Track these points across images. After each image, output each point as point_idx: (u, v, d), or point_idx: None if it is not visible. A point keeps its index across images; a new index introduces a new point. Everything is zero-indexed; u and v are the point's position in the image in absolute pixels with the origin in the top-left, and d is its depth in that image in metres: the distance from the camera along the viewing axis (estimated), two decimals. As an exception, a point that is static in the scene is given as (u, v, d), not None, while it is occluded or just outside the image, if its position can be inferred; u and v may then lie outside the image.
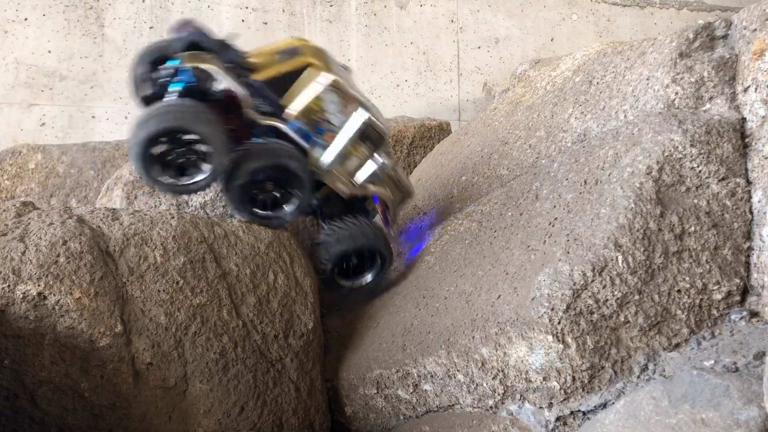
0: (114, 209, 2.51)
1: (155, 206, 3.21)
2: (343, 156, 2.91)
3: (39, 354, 2.09)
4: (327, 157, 2.86)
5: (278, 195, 2.84)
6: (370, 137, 2.97)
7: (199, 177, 2.67)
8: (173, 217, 2.52)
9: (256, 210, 2.80)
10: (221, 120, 2.68)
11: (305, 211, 3.03)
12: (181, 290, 2.37)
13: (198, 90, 2.70)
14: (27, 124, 4.76)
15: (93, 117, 4.90)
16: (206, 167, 2.65)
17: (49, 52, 4.84)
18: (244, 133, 2.82)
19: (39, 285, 2.11)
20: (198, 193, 3.01)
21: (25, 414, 2.10)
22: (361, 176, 2.97)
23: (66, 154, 4.28)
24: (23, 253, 2.16)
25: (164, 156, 2.61)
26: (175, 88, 2.69)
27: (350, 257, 2.96)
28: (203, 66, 2.71)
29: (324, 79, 2.85)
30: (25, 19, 4.80)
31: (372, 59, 5.50)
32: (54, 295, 2.12)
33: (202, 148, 2.62)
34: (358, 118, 2.89)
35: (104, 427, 2.20)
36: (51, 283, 2.13)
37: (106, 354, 2.18)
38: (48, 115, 4.81)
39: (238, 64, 2.83)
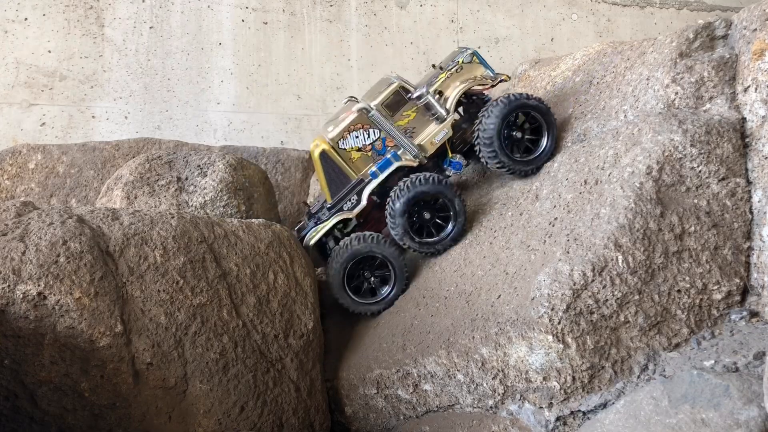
0: (114, 209, 2.51)
1: (155, 206, 3.20)
2: None
3: (39, 354, 2.09)
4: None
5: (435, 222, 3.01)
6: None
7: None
8: (173, 217, 2.51)
9: (423, 240, 2.97)
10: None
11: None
12: (181, 290, 2.37)
13: None
14: (27, 124, 4.76)
15: (93, 117, 4.90)
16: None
17: (49, 52, 4.84)
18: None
19: (39, 285, 2.11)
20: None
21: (25, 414, 2.10)
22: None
23: (66, 154, 4.28)
24: (23, 253, 2.16)
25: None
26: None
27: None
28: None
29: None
30: (25, 19, 4.80)
31: (372, 59, 5.50)
32: (54, 294, 2.12)
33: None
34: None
35: (104, 427, 2.20)
36: (51, 282, 2.12)
37: (106, 354, 2.17)
38: (48, 115, 4.81)
39: None
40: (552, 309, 2.12)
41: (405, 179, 2.94)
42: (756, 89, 2.35)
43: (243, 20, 5.24)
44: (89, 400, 2.16)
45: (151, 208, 3.03)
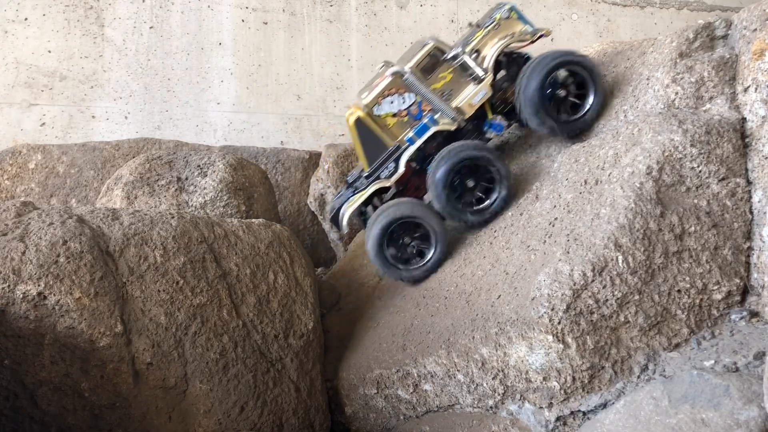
0: (114, 209, 2.51)
1: (155, 206, 3.21)
2: None
3: (39, 354, 2.09)
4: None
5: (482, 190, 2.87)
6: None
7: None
8: (173, 217, 2.52)
9: (471, 209, 2.84)
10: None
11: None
12: (181, 290, 2.37)
13: None
14: (27, 124, 4.76)
15: (93, 117, 4.90)
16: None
17: (49, 52, 4.84)
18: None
19: (39, 285, 2.11)
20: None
21: (25, 414, 2.10)
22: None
23: (66, 154, 4.28)
24: (23, 253, 2.16)
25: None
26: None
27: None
28: None
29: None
30: (25, 19, 4.80)
31: (372, 59, 5.50)
32: (54, 295, 2.12)
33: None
34: None
35: (104, 427, 2.20)
36: (51, 283, 2.13)
37: (106, 354, 2.17)
38: (48, 115, 4.81)
39: None
40: (552, 309, 2.12)
41: (446, 146, 2.82)
42: (756, 89, 2.35)
43: (243, 20, 5.25)
44: (89, 400, 2.16)
45: (151, 208, 3.03)
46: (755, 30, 2.42)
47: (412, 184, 3.06)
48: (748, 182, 2.30)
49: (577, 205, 2.44)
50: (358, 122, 2.90)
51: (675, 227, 2.20)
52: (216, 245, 2.55)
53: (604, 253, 2.16)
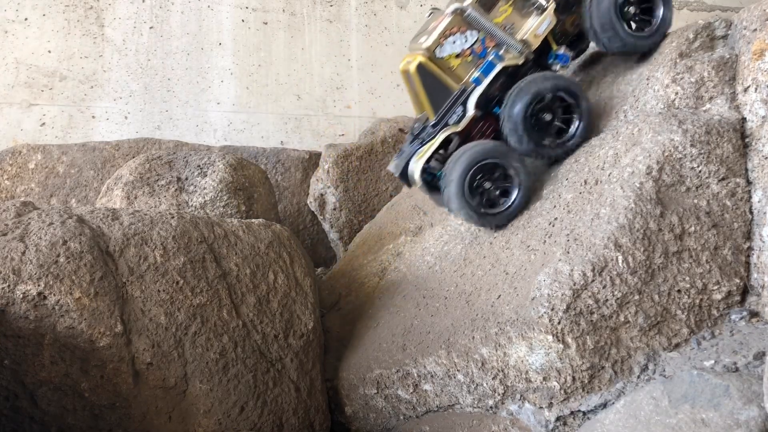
0: (114, 209, 2.51)
1: (155, 206, 3.21)
2: None
3: (39, 354, 2.09)
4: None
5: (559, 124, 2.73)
6: None
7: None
8: (173, 217, 2.51)
9: (546, 142, 2.70)
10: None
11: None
12: (181, 290, 2.37)
13: None
14: (27, 124, 4.76)
15: (93, 117, 4.90)
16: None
17: (49, 52, 4.84)
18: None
19: (39, 285, 2.11)
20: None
21: (25, 414, 2.10)
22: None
23: (66, 154, 4.28)
24: (23, 253, 2.16)
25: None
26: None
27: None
28: None
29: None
30: (25, 19, 4.80)
31: (372, 59, 5.50)
32: (54, 295, 2.12)
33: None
34: None
35: (104, 427, 2.20)
36: (51, 283, 2.13)
37: (106, 354, 2.17)
38: (48, 115, 4.81)
39: None
40: (552, 309, 2.12)
41: (520, 80, 2.68)
42: (756, 89, 2.35)
43: (243, 20, 5.25)
44: (89, 400, 2.16)
45: (151, 208, 3.03)
46: (755, 30, 2.43)
47: (477, 131, 2.84)
48: (748, 182, 2.30)
49: (577, 205, 2.44)
50: (421, 68, 2.72)
51: (675, 227, 2.20)
52: (216, 245, 2.55)
53: (604, 253, 2.16)
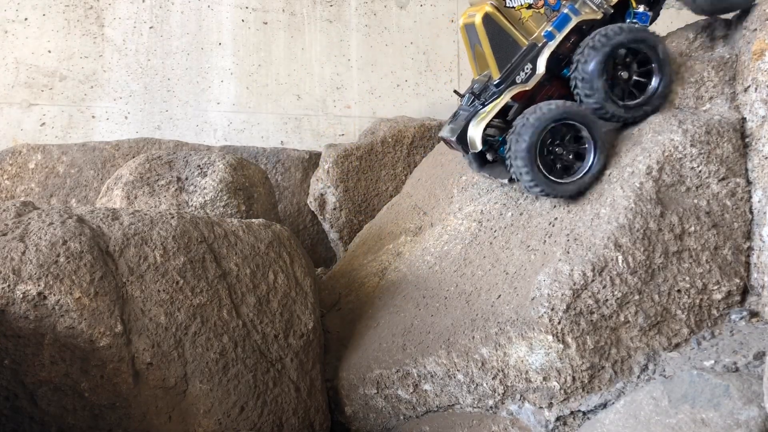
0: (114, 209, 2.51)
1: (155, 206, 3.21)
2: None
3: (39, 354, 2.09)
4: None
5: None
6: None
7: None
8: (173, 217, 2.51)
9: (626, 103, 2.47)
10: None
11: None
12: (181, 290, 2.37)
13: None
14: (27, 124, 4.76)
15: (93, 117, 4.90)
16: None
17: (49, 52, 4.84)
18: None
19: (39, 285, 2.11)
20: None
21: (25, 414, 2.10)
22: None
23: (66, 154, 4.28)
24: (23, 253, 2.16)
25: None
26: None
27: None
28: None
29: None
30: (25, 19, 4.80)
31: (372, 59, 5.50)
32: (54, 295, 2.12)
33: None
34: None
35: (104, 427, 2.20)
36: (51, 283, 2.12)
37: (106, 354, 2.17)
38: (48, 115, 4.81)
39: None
40: (552, 309, 2.12)
41: (592, 34, 2.45)
42: (756, 89, 2.35)
43: (243, 20, 5.24)
44: (89, 400, 2.16)
45: (151, 208, 3.03)
46: (755, 30, 2.42)
47: (542, 95, 2.58)
48: (748, 182, 2.30)
49: (577, 205, 2.44)
50: (488, 19, 2.46)
51: (675, 227, 2.20)
52: (216, 245, 2.55)
53: (604, 253, 2.16)
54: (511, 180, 2.60)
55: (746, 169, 2.32)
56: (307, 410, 2.65)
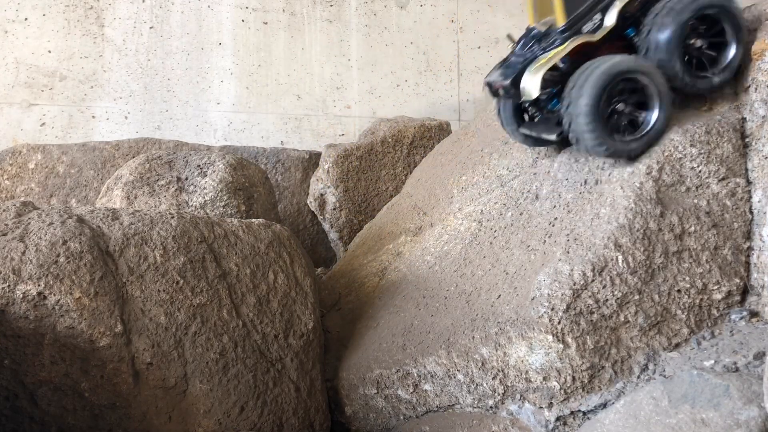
0: (114, 209, 2.51)
1: (155, 206, 3.21)
2: None
3: (39, 354, 2.09)
4: None
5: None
6: None
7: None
8: (173, 217, 2.51)
9: (698, 73, 2.36)
10: None
11: None
12: (181, 290, 2.37)
13: None
14: (27, 124, 4.76)
15: (93, 117, 4.90)
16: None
17: (49, 52, 4.84)
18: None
19: (39, 285, 2.11)
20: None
21: (25, 414, 2.10)
22: None
23: (66, 154, 4.28)
24: (23, 253, 2.16)
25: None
26: None
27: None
28: None
29: None
30: (25, 19, 4.80)
31: (372, 59, 5.50)
32: (54, 294, 2.12)
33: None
34: None
35: (104, 427, 2.20)
36: (51, 282, 2.12)
37: (106, 354, 2.17)
38: (48, 115, 4.81)
39: None
40: (552, 309, 2.12)
41: (653, 4, 2.32)
42: (756, 89, 2.35)
43: (243, 20, 5.25)
44: (89, 400, 2.16)
45: (151, 208, 3.03)
46: (755, 30, 2.42)
47: (602, 51, 2.41)
48: (748, 182, 2.30)
49: (577, 204, 2.44)
50: None
51: (675, 227, 2.20)
52: (216, 245, 2.55)
53: (604, 253, 2.16)
54: (560, 136, 2.43)
55: (746, 169, 2.32)
56: (307, 410, 2.65)
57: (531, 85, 2.36)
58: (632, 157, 2.34)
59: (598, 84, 2.21)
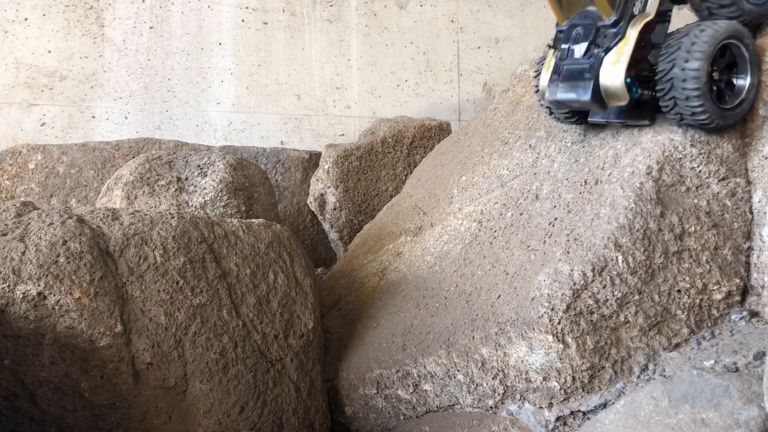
0: (114, 209, 2.51)
1: (155, 206, 3.21)
2: None
3: (39, 354, 2.09)
4: None
5: None
6: None
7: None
8: (173, 217, 2.51)
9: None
10: None
11: None
12: (181, 290, 2.37)
13: None
14: (27, 124, 4.76)
15: (93, 117, 4.90)
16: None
17: (49, 52, 4.84)
18: None
19: (39, 285, 2.11)
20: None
21: (25, 414, 2.10)
22: None
23: (66, 154, 4.28)
24: (23, 253, 2.15)
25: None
26: None
27: None
28: None
29: None
30: (25, 19, 4.80)
31: (372, 59, 5.50)
32: (54, 295, 2.12)
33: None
34: None
35: (104, 427, 2.20)
36: (51, 283, 2.12)
37: (106, 354, 2.17)
38: (48, 115, 4.81)
39: None
40: (552, 309, 2.12)
41: None
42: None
43: (243, 20, 5.25)
44: (89, 400, 2.16)
45: (151, 208, 3.03)
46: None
47: (654, 29, 2.31)
48: (748, 182, 2.30)
49: (577, 205, 2.44)
50: None
51: (675, 227, 2.20)
52: (216, 245, 2.55)
53: (604, 253, 2.16)
54: (651, 119, 2.32)
55: (746, 169, 2.32)
56: (307, 410, 2.65)
57: (617, 86, 2.23)
58: (720, 129, 2.23)
59: (708, 48, 2.09)
